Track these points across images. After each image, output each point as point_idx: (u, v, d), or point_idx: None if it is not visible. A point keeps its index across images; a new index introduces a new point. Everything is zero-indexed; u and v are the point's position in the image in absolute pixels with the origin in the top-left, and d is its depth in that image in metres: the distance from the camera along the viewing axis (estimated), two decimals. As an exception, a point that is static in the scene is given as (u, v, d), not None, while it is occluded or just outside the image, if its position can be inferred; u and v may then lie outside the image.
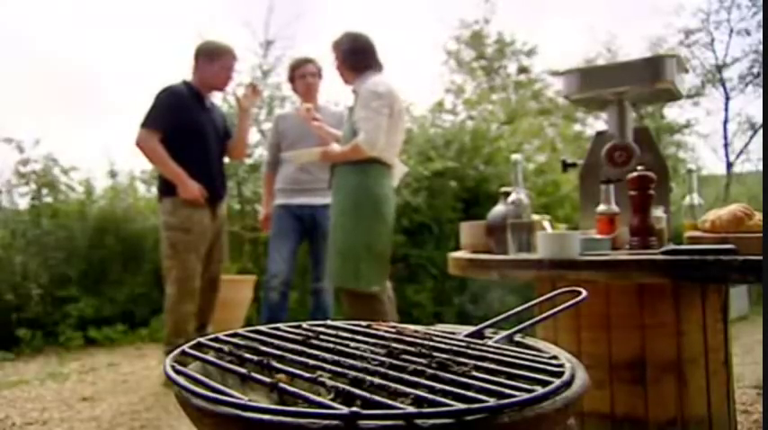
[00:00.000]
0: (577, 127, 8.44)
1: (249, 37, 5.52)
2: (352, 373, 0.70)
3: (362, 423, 0.54)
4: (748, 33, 10.81)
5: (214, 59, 2.95)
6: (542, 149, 6.70)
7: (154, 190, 5.33)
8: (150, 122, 2.82)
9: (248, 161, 5.61)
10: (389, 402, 0.59)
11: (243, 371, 0.74)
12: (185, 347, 0.85)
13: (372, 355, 0.79)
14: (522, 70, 9.12)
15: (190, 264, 2.85)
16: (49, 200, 4.68)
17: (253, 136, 5.66)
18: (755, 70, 10.73)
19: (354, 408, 0.56)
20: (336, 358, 0.77)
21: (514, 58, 9.64)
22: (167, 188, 2.84)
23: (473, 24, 9.95)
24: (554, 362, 0.77)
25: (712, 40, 11.40)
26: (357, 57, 2.74)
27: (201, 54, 2.95)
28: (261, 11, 5.51)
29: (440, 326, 1.05)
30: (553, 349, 0.88)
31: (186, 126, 2.87)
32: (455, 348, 0.83)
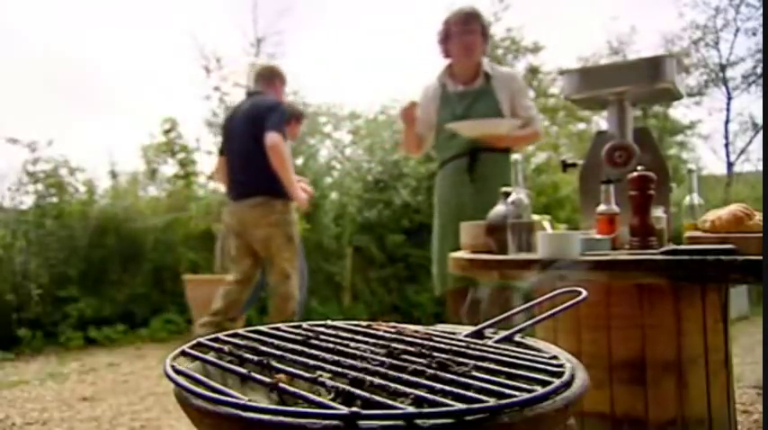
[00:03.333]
0: (582, 125, 8.38)
1: (240, 35, 5.54)
2: (352, 373, 0.70)
3: (362, 423, 0.54)
4: (754, 34, 10.80)
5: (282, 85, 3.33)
6: (543, 149, 6.69)
7: (150, 190, 5.37)
8: (281, 129, 2.99)
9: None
10: (389, 402, 0.59)
11: (243, 371, 0.74)
12: (185, 347, 0.85)
13: (372, 355, 0.79)
14: (534, 71, 9.06)
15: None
16: (53, 200, 4.68)
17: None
18: (759, 70, 10.72)
19: (354, 408, 0.56)
20: (336, 358, 0.77)
21: (522, 57, 9.58)
22: (280, 190, 3.01)
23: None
24: (554, 362, 0.77)
25: (717, 40, 11.39)
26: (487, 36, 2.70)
27: (278, 78, 3.28)
28: (250, 9, 5.52)
29: (440, 327, 1.05)
30: (553, 349, 0.88)
31: None
32: (455, 348, 0.83)
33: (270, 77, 3.23)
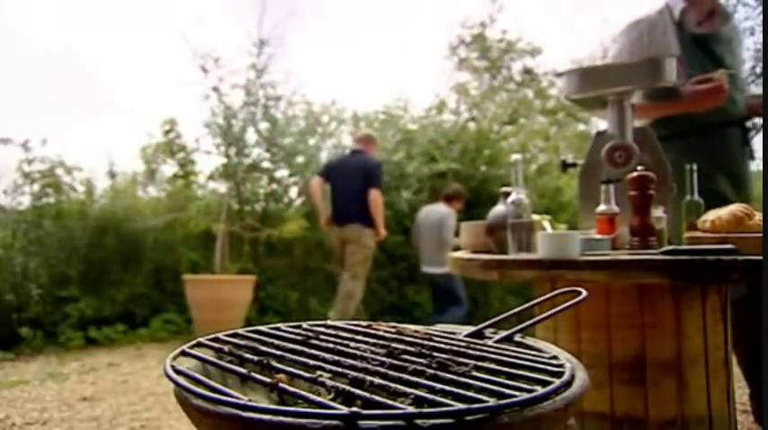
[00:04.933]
0: (582, 126, 8.38)
1: (242, 36, 5.54)
2: (352, 373, 0.70)
3: (362, 423, 0.54)
4: (752, 33, 10.75)
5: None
6: (547, 151, 6.69)
7: (149, 190, 5.39)
8: (381, 186, 4.30)
9: (247, 161, 5.60)
10: (389, 402, 0.59)
11: (243, 371, 0.74)
12: (185, 347, 0.85)
13: (372, 355, 0.79)
14: (528, 71, 9.04)
15: None
16: (51, 200, 4.67)
17: (250, 136, 5.66)
18: (758, 70, 10.69)
19: (354, 408, 0.56)
20: (336, 358, 0.77)
21: (519, 58, 9.58)
22: (371, 224, 4.25)
23: (475, 27, 9.87)
24: (554, 362, 0.77)
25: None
26: None
27: (373, 140, 4.63)
28: (254, 9, 5.52)
29: (440, 327, 1.05)
30: (553, 349, 0.88)
31: None
32: (455, 348, 0.83)
33: (368, 141, 4.61)
